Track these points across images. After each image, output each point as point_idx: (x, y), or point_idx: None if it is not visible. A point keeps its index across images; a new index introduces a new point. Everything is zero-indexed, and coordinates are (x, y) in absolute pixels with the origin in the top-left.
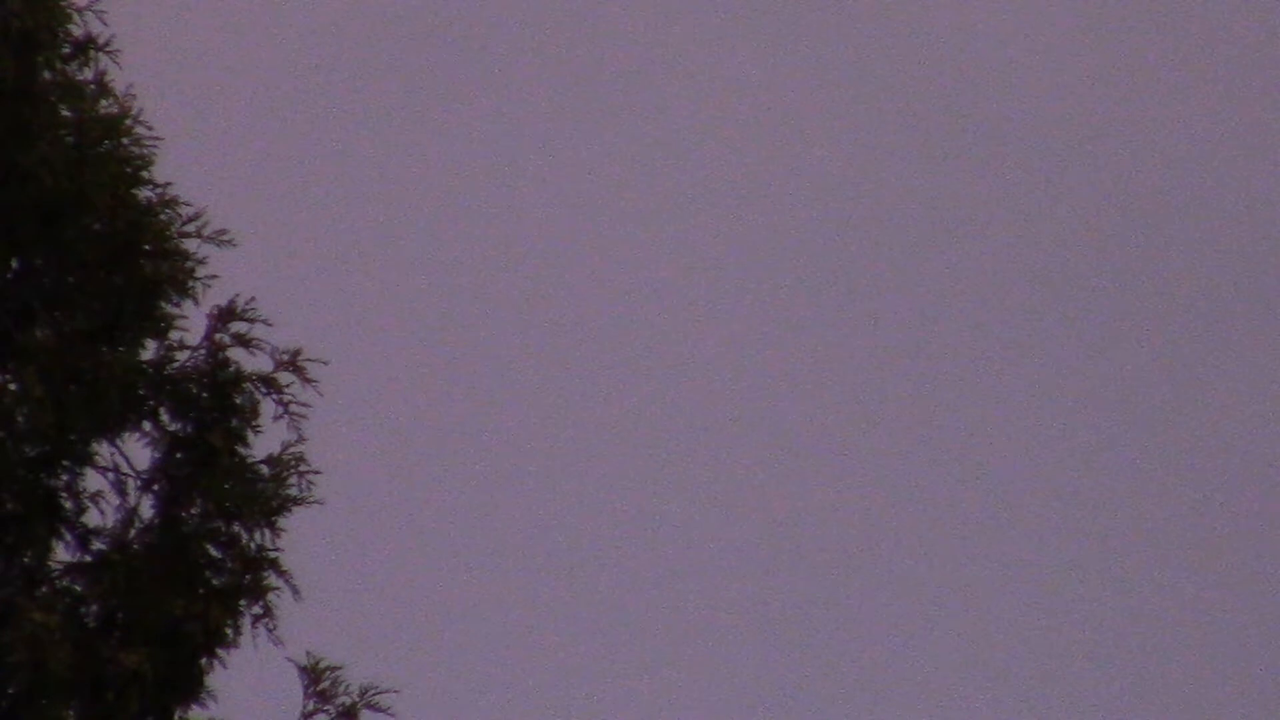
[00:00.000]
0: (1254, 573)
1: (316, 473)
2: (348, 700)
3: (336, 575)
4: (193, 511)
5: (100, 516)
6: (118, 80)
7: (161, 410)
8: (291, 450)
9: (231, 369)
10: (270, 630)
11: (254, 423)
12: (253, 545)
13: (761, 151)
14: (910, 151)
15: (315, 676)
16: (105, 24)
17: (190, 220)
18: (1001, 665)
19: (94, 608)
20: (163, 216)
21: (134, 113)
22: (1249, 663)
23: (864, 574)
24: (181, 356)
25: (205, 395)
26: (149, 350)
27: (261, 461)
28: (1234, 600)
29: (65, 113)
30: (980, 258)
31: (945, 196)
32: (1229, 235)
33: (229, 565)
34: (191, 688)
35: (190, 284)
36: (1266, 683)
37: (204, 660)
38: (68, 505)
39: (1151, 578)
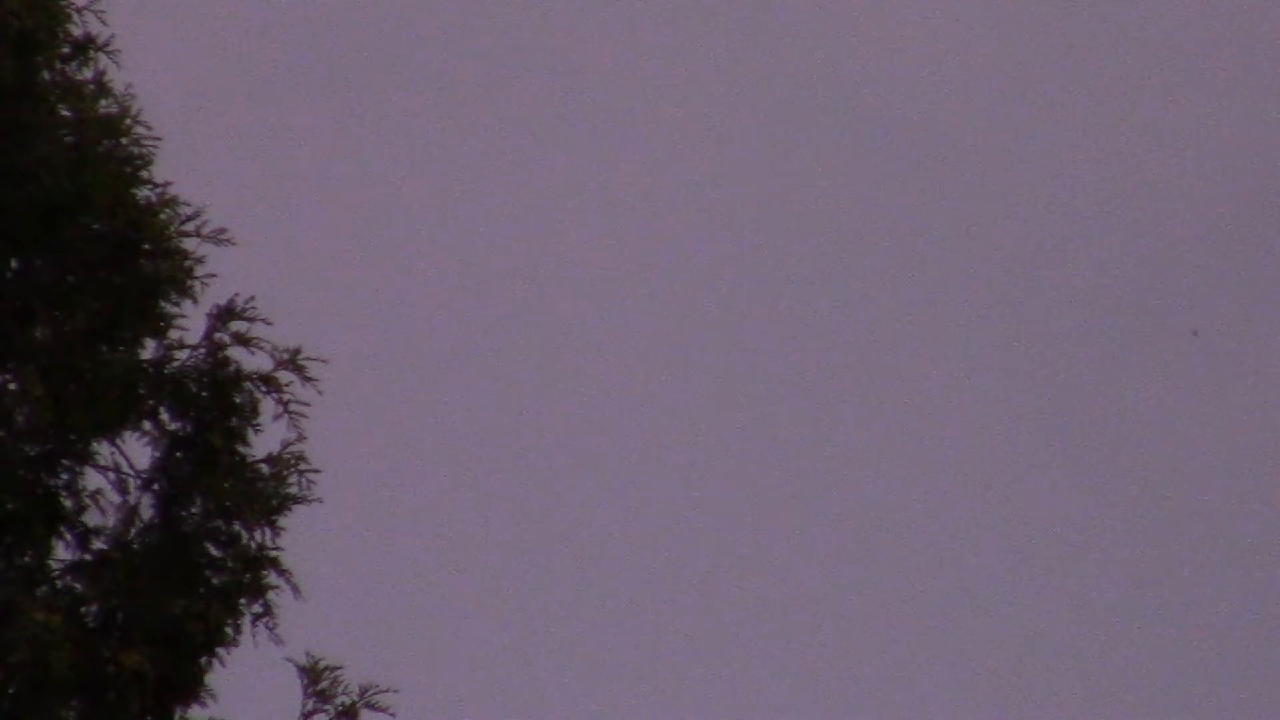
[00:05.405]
0: (1241, 574)
1: (316, 471)
2: (347, 700)
3: (336, 575)
4: (193, 511)
5: (100, 516)
6: (118, 80)
7: (161, 410)
8: (291, 449)
9: (231, 368)
10: (270, 629)
11: (254, 422)
12: (253, 544)
13: (689, 160)
14: (841, 163)
15: (315, 676)
16: (105, 24)
17: (189, 219)
18: (998, 665)
19: (94, 607)
20: (162, 216)
21: (134, 113)
22: (1239, 662)
23: (860, 575)
24: (181, 356)
25: (205, 394)
26: (149, 350)
27: (261, 460)
28: (1217, 600)
29: (65, 113)
30: (923, 263)
31: (874, 206)
32: (1161, 239)
33: (229, 564)
34: (191, 687)
35: (190, 283)
36: (1257, 683)
37: (204, 660)
38: (68, 505)
39: (1127, 581)
